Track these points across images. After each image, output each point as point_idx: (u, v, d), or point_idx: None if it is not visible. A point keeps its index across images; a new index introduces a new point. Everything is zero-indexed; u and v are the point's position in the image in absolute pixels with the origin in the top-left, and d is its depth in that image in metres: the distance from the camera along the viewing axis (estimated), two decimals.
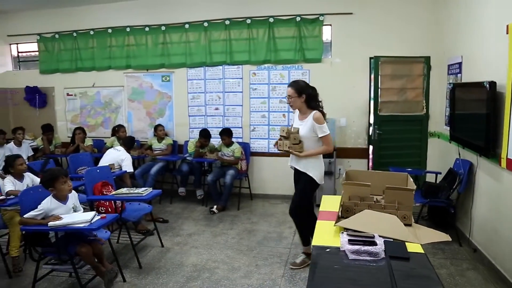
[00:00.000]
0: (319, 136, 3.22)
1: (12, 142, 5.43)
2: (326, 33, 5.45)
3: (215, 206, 5.16)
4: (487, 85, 3.20)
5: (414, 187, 2.38)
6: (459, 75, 4.18)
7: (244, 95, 5.75)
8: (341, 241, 1.99)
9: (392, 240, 2.01)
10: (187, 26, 5.79)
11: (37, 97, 6.54)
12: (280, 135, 3.32)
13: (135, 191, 3.59)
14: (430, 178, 4.65)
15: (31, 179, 3.70)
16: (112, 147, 5.22)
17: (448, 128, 4.41)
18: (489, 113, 3.22)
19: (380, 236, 2.01)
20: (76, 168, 4.76)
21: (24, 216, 2.84)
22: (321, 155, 3.37)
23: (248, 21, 5.55)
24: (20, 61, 6.93)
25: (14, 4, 6.14)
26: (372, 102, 5.23)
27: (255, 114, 5.76)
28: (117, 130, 5.74)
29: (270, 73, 5.62)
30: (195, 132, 5.87)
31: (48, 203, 2.90)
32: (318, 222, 2.40)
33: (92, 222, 2.81)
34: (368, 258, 1.85)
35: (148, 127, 6.20)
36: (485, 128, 3.27)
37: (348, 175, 2.70)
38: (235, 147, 5.37)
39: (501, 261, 3.23)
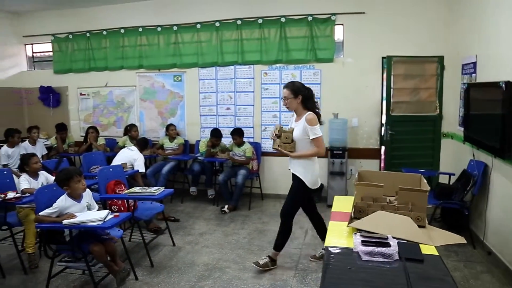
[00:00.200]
0: (311, 138, 3.14)
1: (27, 141, 5.51)
2: (338, 33, 5.42)
3: (226, 206, 5.18)
4: (503, 85, 3.15)
5: (428, 188, 2.35)
6: (473, 75, 4.12)
7: (255, 95, 5.76)
8: (354, 242, 1.98)
9: (405, 241, 1.99)
10: (198, 26, 5.82)
11: (51, 96, 6.64)
12: (274, 133, 3.27)
13: (148, 190, 3.62)
14: (443, 179, 4.59)
15: (45, 177, 3.77)
16: (124, 146, 5.29)
17: (462, 128, 4.34)
18: (505, 113, 3.16)
19: (393, 237, 1.99)
20: (89, 167, 4.82)
21: (39, 213, 2.88)
22: (316, 159, 3.28)
23: (260, 21, 5.55)
24: (34, 61, 7.05)
25: (29, 5, 6.24)
26: (384, 102, 5.19)
27: (266, 114, 5.76)
28: (129, 130, 5.78)
29: (281, 73, 5.62)
30: (206, 132, 5.90)
31: (63, 201, 2.94)
32: (330, 223, 2.39)
33: (105, 220, 2.84)
34: (381, 259, 1.84)
35: (159, 127, 6.25)
36: (500, 129, 3.21)
37: (360, 176, 2.68)
38: (246, 147, 5.38)
39: None
